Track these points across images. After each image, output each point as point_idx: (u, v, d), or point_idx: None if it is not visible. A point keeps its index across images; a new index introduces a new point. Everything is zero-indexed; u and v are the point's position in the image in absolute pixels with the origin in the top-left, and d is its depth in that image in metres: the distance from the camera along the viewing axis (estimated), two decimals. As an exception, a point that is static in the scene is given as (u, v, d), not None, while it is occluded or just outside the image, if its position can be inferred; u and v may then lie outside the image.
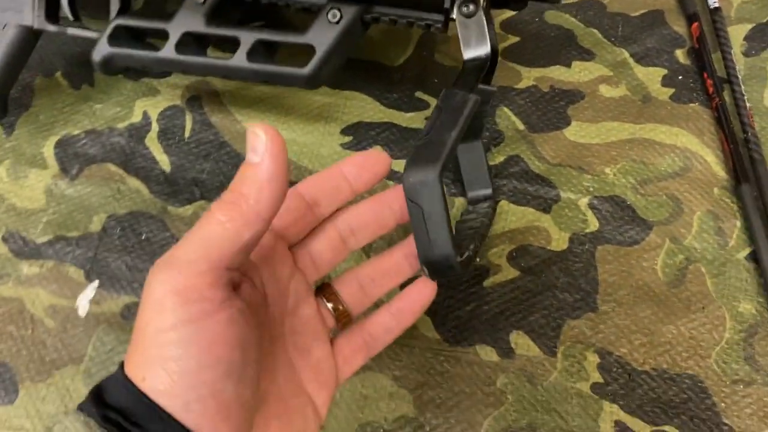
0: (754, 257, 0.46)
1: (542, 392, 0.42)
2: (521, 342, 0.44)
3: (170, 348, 0.25)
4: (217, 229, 0.26)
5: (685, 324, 0.44)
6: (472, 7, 0.36)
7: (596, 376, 0.43)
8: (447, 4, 0.37)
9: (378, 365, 0.43)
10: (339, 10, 0.39)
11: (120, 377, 0.26)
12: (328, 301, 0.35)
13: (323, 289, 0.35)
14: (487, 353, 0.43)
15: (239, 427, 0.27)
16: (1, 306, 0.45)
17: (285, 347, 0.33)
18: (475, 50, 0.36)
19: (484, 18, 0.36)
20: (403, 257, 0.36)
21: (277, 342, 0.32)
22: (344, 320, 0.35)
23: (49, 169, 0.50)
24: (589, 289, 0.45)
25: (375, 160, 0.35)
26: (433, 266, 0.34)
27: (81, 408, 0.26)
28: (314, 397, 0.33)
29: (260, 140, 0.26)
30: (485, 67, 0.37)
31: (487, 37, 0.36)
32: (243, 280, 0.30)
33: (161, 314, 0.25)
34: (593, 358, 0.43)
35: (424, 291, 0.36)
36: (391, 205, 0.36)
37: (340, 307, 0.35)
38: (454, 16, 0.37)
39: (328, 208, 0.35)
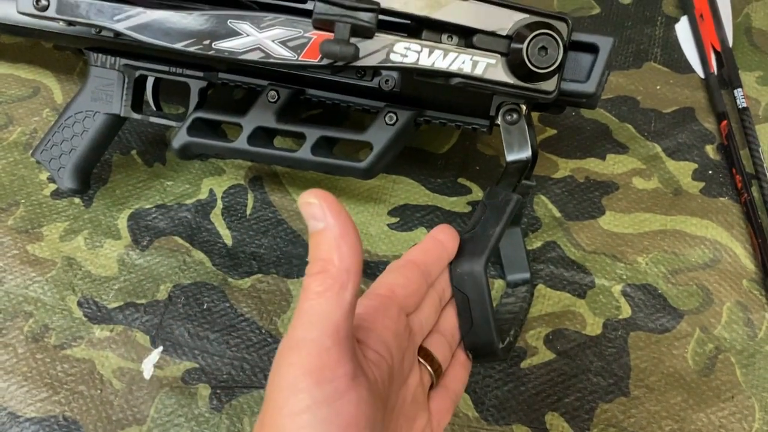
0: (783, 350, 0.48)
1: (576, 473, 0.44)
2: (556, 423, 0.46)
3: (303, 428, 0.25)
4: (320, 301, 0.26)
5: (715, 413, 0.46)
6: (515, 116, 0.40)
7: (628, 460, 0.44)
8: (492, 112, 0.41)
9: (419, 439, 0.46)
10: (395, 113, 0.43)
11: None
12: (429, 365, 0.35)
13: (420, 351, 0.35)
14: (523, 432, 0.46)
15: None
16: (75, 366, 0.49)
17: (396, 419, 0.32)
18: (518, 154, 0.40)
19: (525, 126, 0.40)
20: None
21: (392, 414, 0.31)
22: (439, 377, 0.35)
23: (122, 239, 0.54)
24: (621, 374, 0.48)
25: (454, 234, 0.36)
26: (477, 351, 0.37)
27: None
28: None
29: (316, 206, 0.27)
30: (526, 169, 0.40)
31: (528, 142, 0.40)
32: (366, 352, 0.30)
33: (295, 397, 0.25)
34: (625, 442, 0.45)
35: None
36: None
37: (438, 367, 0.35)
38: (498, 122, 0.41)
39: (434, 276, 0.35)
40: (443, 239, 0.36)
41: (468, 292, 0.36)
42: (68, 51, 0.64)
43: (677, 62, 0.63)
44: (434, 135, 0.59)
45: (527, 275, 0.50)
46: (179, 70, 0.49)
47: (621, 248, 0.53)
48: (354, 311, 0.27)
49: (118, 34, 0.38)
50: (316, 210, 0.27)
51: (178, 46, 0.36)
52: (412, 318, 0.34)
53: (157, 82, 0.51)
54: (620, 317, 0.50)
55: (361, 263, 0.27)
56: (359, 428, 0.26)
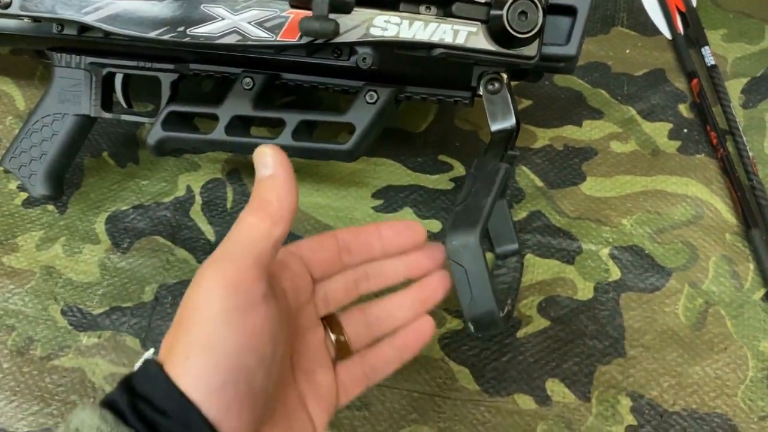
0: (770, 298, 0.49)
1: (581, 436, 0.44)
2: (557, 389, 0.46)
3: (217, 329, 0.28)
4: (252, 229, 0.30)
5: (710, 365, 0.47)
6: (497, 84, 0.40)
7: (630, 419, 0.45)
8: (474, 83, 0.41)
9: (423, 417, 0.45)
10: (375, 92, 0.43)
11: (152, 366, 0.29)
12: (332, 333, 0.38)
13: (329, 321, 0.38)
14: (526, 402, 0.46)
15: (257, 421, 0.30)
16: (65, 376, 0.47)
17: (292, 365, 0.35)
18: (502, 123, 0.40)
19: (508, 94, 0.40)
20: (410, 302, 0.39)
21: (288, 358, 0.35)
22: (344, 352, 0.38)
23: (101, 243, 0.53)
24: (616, 335, 0.48)
25: (413, 230, 0.39)
26: (478, 322, 0.37)
27: (107, 401, 0.28)
28: (315, 418, 0.36)
29: (268, 155, 0.31)
30: (512, 137, 0.40)
31: (512, 110, 0.40)
32: (273, 287, 0.33)
33: (210, 301, 0.29)
34: (626, 402, 0.46)
35: (425, 329, 0.39)
36: (405, 260, 0.39)
37: (342, 339, 0.38)
38: (480, 92, 0.40)
39: (356, 258, 0.38)
40: (385, 231, 0.38)
41: (465, 264, 0.36)
42: (26, 55, 0.62)
43: (644, 25, 0.63)
44: (411, 114, 0.59)
45: (516, 246, 0.51)
46: (148, 65, 0.48)
47: (605, 212, 0.53)
48: (278, 249, 0.31)
49: (85, 28, 0.37)
50: (268, 159, 0.31)
51: (152, 35, 0.35)
52: (319, 284, 0.38)
53: (126, 78, 0.49)
54: (610, 280, 0.50)
55: (293, 212, 0.31)
56: (262, 338, 0.29)
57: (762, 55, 0.61)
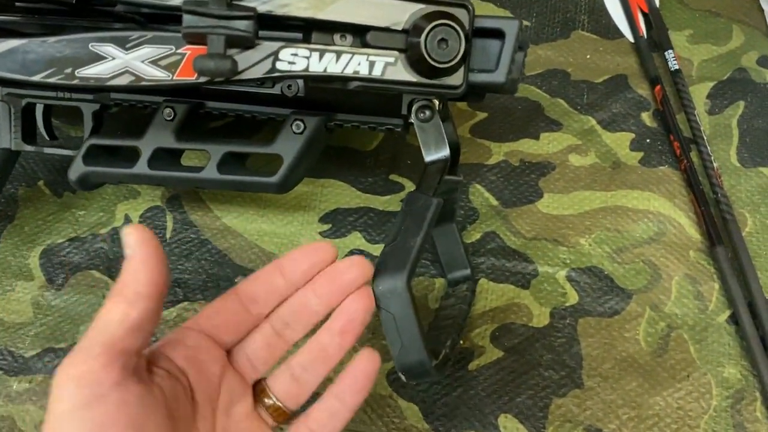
0: (735, 320, 0.46)
1: (533, 477, 0.42)
2: (510, 425, 0.44)
3: (64, 427, 0.28)
4: (105, 315, 0.29)
5: (672, 394, 0.44)
6: (428, 112, 0.37)
7: (587, 456, 0.43)
8: (404, 111, 0.38)
9: (368, 460, 0.43)
10: (302, 121, 0.40)
11: None
12: (260, 399, 0.35)
13: (257, 387, 0.36)
14: (477, 440, 0.43)
15: None
16: (-8, 426, 0.45)
17: None
18: (436, 153, 0.37)
19: (440, 122, 0.37)
20: (328, 338, 0.35)
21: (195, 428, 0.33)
22: (281, 416, 0.35)
23: (35, 280, 0.51)
24: (573, 364, 0.46)
25: (313, 250, 0.35)
26: (409, 372, 0.35)
27: None
28: None
29: (130, 236, 0.30)
30: (446, 168, 0.38)
31: (445, 140, 0.37)
32: (156, 371, 0.32)
33: (60, 399, 0.28)
34: (582, 437, 0.43)
35: (368, 366, 0.34)
36: (315, 291, 0.35)
37: (275, 404, 0.35)
38: (412, 120, 0.38)
39: (265, 306, 0.35)
40: (286, 264, 0.35)
41: (393, 311, 0.34)
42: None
43: (605, 28, 0.60)
44: (361, 132, 0.56)
45: (468, 272, 0.48)
46: (68, 95, 0.45)
47: (562, 231, 0.51)
48: (142, 330, 0.30)
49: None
50: (129, 239, 0.30)
51: (37, 78, 0.32)
52: (237, 352, 0.35)
53: (48, 109, 0.47)
54: (567, 304, 0.48)
55: (157, 290, 0.30)
56: (118, 427, 0.28)
57: (729, 56, 0.58)
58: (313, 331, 0.36)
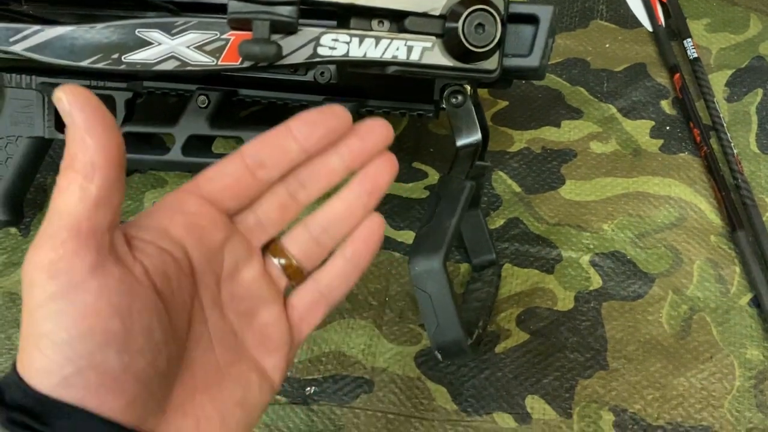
0: (756, 302, 0.47)
1: (562, 456, 0.43)
2: (537, 406, 0.45)
3: (42, 323, 0.25)
4: (63, 196, 0.26)
5: (695, 375, 0.45)
6: (460, 98, 0.38)
7: (613, 435, 0.44)
8: (436, 96, 0.39)
9: (399, 440, 0.44)
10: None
11: (12, 373, 0.26)
12: (276, 258, 0.33)
13: (270, 248, 0.33)
14: (505, 420, 0.44)
15: (136, 400, 0.27)
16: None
17: (223, 314, 0.31)
18: (467, 138, 0.38)
19: (472, 107, 0.38)
20: (354, 198, 0.33)
21: (213, 310, 0.31)
22: (297, 276, 0.33)
23: (66, 267, 0.51)
24: (598, 347, 0.46)
25: (329, 114, 0.31)
26: (445, 351, 0.35)
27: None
28: (262, 362, 0.32)
29: (63, 101, 0.26)
30: (478, 152, 0.38)
31: (477, 125, 0.38)
32: (139, 245, 0.29)
33: (32, 292, 0.25)
34: (608, 417, 0.44)
35: (374, 226, 0.33)
36: (338, 151, 0.32)
37: (291, 263, 0.33)
38: (443, 105, 0.38)
39: (274, 171, 0.31)
40: (296, 127, 0.31)
41: (429, 291, 0.35)
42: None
43: (624, 17, 0.61)
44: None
45: (492, 256, 0.49)
46: (101, 83, 0.46)
47: (585, 217, 0.51)
48: (108, 203, 0.26)
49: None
50: (63, 105, 0.26)
51: (85, 63, 0.33)
52: (246, 214, 0.32)
53: (80, 97, 0.47)
54: (591, 288, 0.49)
55: (112, 156, 0.26)
56: (100, 316, 0.25)
57: (747, 45, 0.59)
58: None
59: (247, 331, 0.32)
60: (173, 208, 0.30)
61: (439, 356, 0.36)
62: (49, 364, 0.25)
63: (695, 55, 0.57)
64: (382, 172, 0.32)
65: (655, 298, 0.48)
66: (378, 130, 0.32)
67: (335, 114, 0.31)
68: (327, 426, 0.45)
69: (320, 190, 0.33)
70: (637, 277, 0.49)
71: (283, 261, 0.33)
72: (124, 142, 0.27)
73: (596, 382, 0.45)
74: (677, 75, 0.56)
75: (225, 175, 0.31)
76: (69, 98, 0.25)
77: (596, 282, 0.49)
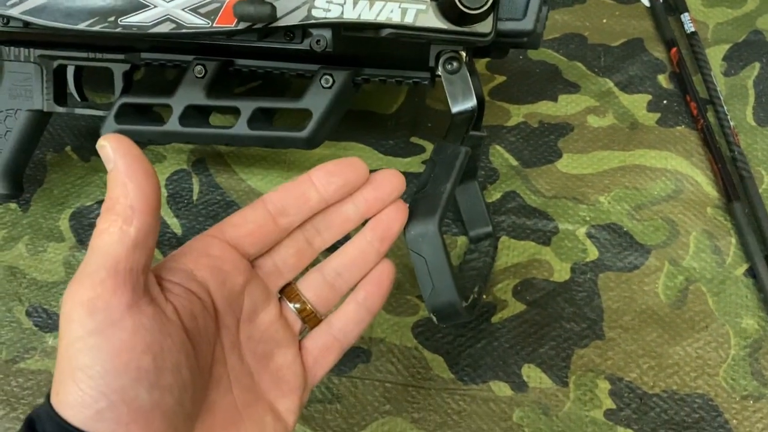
0: (752, 273, 0.47)
1: (557, 423, 0.43)
2: (533, 375, 0.45)
3: (78, 358, 0.26)
4: (103, 237, 0.27)
5: (691, 344, 0.45)
6: (455, 64, 0.38)
7: (609, 403, 0.44)
8: (432, 63, 0.39)
9: (396, 408, 0.44)
10: (331, 75, 0.41)
11: (46, 405, 0.27)
12: (291, 303, 0.35)
13: (286, 292, 0.35)
14: (501, 389, 0.45)
15: None
16: (31, 379, 0.46)
17: (241, 356, 0.33)
18: (463, 104, 0.38)
19: (468, 73, 0.38)
20: (367, 244, 0.35)
21: (232, 351, 0.33)
22: (312, 320, 0.35)
23: (66, 241, 0.52)
24: (594, 317, 0.47)
25: (347, 166, 0.34)
26: (440, 313, 0.36)
27: None
28: (276, 405, 0.33)
29: (107, 149, 0.28)
30: (473, 119, 0.39)
31: (473, 91, 0.38)
32: (168, 286, 0.30)
33: (70, 327, 0.27)
34: (604, 385, 0.44)
35: (386, 271, 0.35)
36: (353, 201, 0.34)
37: (306, 307, 0.35)
38: (439, 73, 0.39)
39: (295, 218, 0.34)
40: (317, 178, 0.33)
41: (425, 254, 0.35)
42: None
43: (621, -7, 0.61)
44: (381, 95, 0.57)
45: (489, 229, 0.49)
46: (99, 55, 0.46)
47: (581, 190, 0.51)
48: (144, 246, 0.28)
49: (25, 23, 0.35)
50: (107, 153, 0.28)
51: (81, 26, 0.33)
52: (264, 259, 0.34)
53: (79, 70, 0.48)
54: (587, 260, 0.49)
55: (150, 202, 0.28)
56: (135, 353, 0.27)
57: (745, 19, 0.59)
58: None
59: (263, 374, 0.33)
60: (199, 252, 0.32)
61: (435, 319, 0.36)
62: (83, 397, 0.26)
63: (692, 29, 0.57)
64: (394, 219, 0.34)
65: (651, 269, 0.48)
66: (391, 180, 0.34)
67: (354, 166, 0.33)
68: (325, 395, 0.45)
69: (335, 237, 0.35)
70: (634, 249, 0.49)
71: (298, 305, 0.35)
72: (160, 188, 0.29)
73: (592, 352, 0.46)
74: (674, 49, 0.56)
75: (248, 221, 0.33)
76: (113, 145, 0.27)
77: (593, 254, 0.49)
